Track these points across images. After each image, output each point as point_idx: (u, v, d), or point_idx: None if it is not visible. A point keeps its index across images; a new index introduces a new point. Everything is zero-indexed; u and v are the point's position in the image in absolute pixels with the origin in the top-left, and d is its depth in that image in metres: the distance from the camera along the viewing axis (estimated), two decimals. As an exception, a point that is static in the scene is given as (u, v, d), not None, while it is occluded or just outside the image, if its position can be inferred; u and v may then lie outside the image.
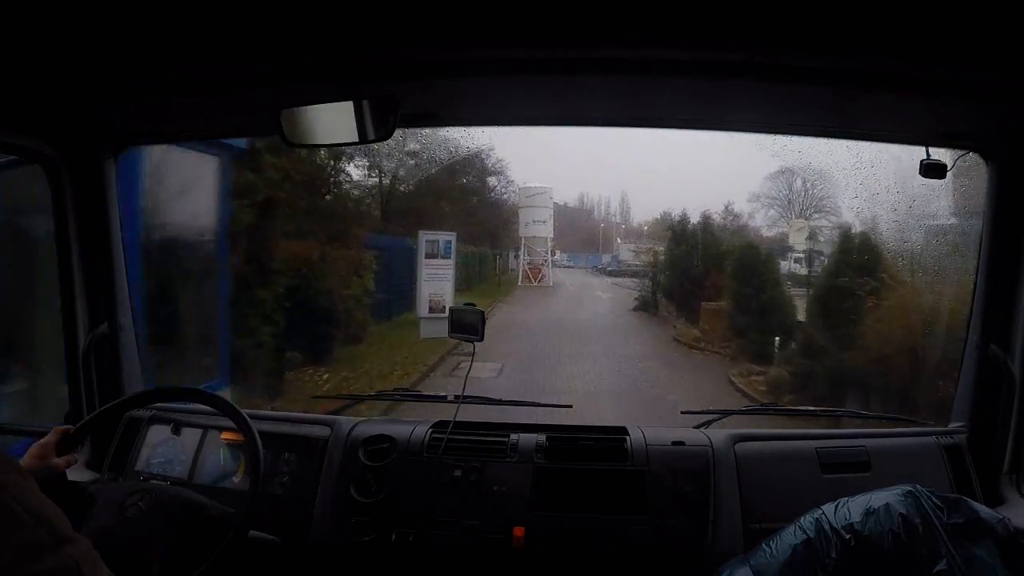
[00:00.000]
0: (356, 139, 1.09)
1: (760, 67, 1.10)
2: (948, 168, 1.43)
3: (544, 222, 15.95)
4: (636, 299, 11.55)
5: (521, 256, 16.30)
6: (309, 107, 1.09)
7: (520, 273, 16.08)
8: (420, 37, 1.03)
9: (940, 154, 1.45)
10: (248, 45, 1.08)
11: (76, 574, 0.61)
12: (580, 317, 10.89)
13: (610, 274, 17.84)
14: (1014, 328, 1.42)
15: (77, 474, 1.38)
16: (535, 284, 15.69)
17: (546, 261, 16.30)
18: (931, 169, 1.43)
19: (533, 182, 15.75)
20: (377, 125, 1.07)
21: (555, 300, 13.77)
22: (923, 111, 1.31)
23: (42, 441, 1.18)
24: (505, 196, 15.81)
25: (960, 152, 1.45)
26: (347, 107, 1.06)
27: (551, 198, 16.42)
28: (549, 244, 16.41)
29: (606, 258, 19.60)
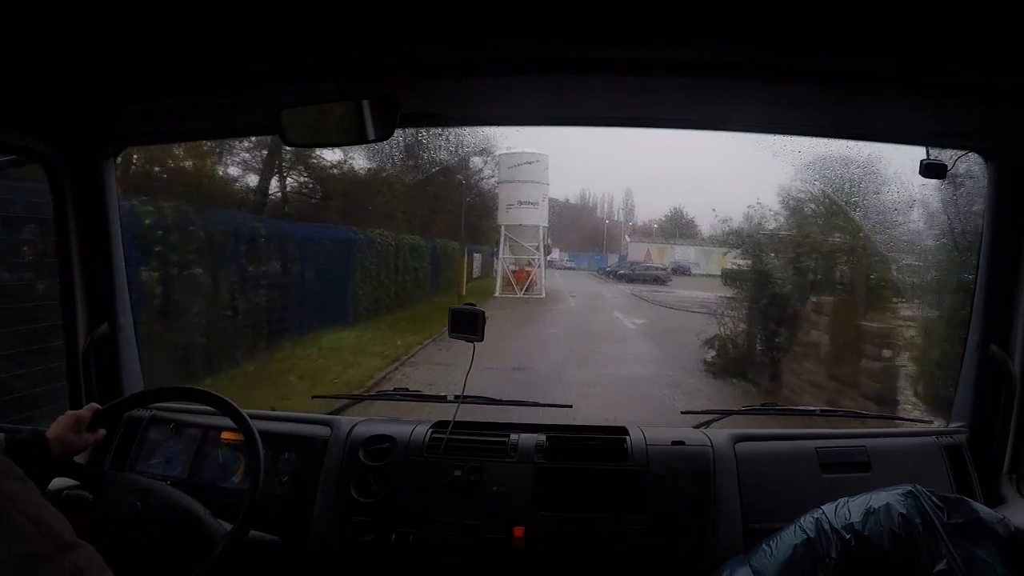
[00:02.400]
0: (356, 139, 1.10)
1: (760, 67, 1.10)
2: (948, 168, 1.43)
3: (535, 205, 10.87)
4: (709, 344, 6.34)
5: (500, 253, 10.98)
6: (309, 107, 1.09)
7: (499, 278, 10.89)
8: (420, 37, 1.04)
9: (940, 154, 1.45)
10: (248, 45, 1.08)
11: None
12: (592, 406, 4.84)
13: (621, 279, 14.89)
14: (1014, 328, 1.42)
15: None
16: (520, 295, 10.39)
17: (537, 260, 11.04)
18: (931, 169, 1.43)
19: (520, 147, 10.50)
20: (377, 125, 1.07)
21: (543, 335, 7.56)
22: (923, 111, 1.31)
23: (77, 413, 1.22)
24: (493, 179, 11.42)
25: (960, 152, 1.45)
26: (347, 107, 1.06)
27: (546, 169, 10.80)
28: (543, 237, 11.27)
29: (613, 259, 17.71)
